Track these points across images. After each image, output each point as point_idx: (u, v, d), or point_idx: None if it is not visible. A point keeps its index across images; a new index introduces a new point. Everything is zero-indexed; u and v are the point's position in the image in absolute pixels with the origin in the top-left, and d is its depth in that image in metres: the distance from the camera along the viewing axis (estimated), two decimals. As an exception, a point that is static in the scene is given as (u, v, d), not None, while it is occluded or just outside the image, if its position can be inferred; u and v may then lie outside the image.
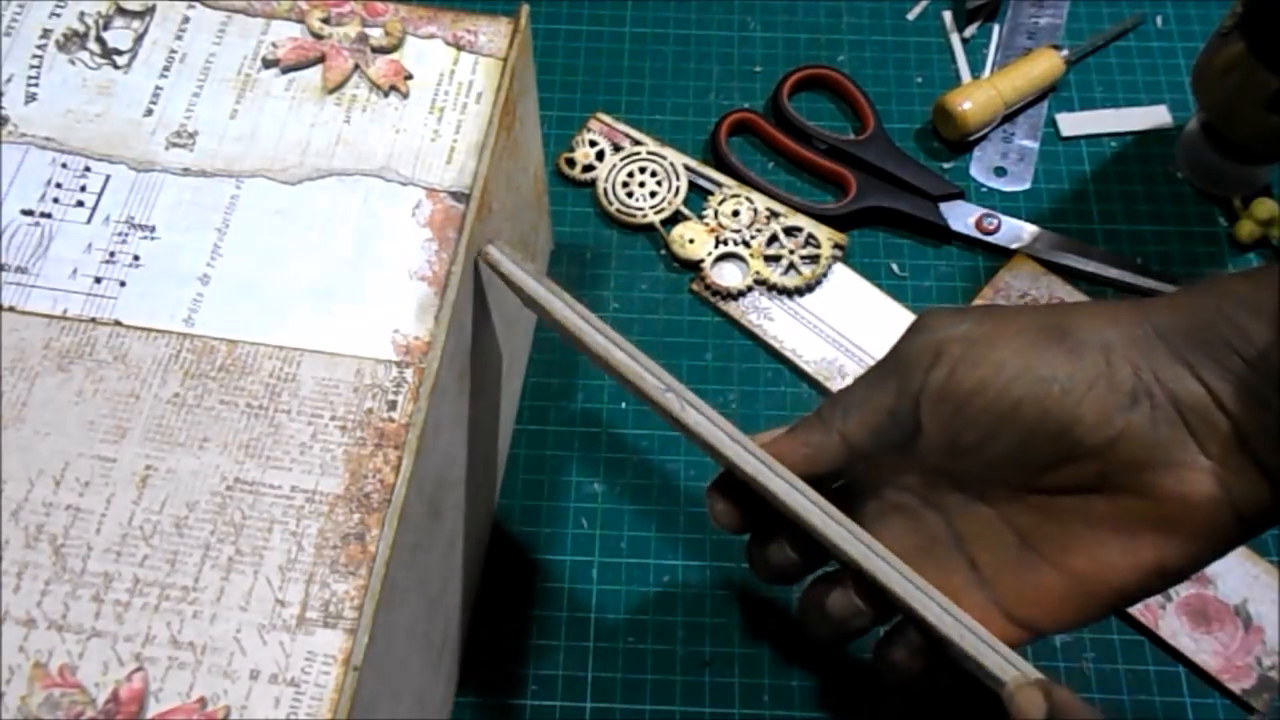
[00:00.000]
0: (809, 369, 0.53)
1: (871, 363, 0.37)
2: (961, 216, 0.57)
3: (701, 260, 0.56)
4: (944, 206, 0.57)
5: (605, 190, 0.58)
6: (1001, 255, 0.57)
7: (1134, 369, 0.32)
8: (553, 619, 0.48)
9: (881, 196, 0.57)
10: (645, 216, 0.57)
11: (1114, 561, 0.33)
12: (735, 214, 0.57)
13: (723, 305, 0.55)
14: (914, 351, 0.35)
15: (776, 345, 0.54)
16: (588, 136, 0.59)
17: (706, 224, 0.56)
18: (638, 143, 0.59)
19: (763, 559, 0.37)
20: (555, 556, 0.50)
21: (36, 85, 0.40)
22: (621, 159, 0.58)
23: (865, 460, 0.36)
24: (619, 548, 0.50)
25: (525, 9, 0.42)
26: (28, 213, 0.38)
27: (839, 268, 0.56)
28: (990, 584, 0.35)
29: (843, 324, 0.54)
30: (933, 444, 0.35)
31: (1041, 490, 0.34)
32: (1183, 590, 0.48)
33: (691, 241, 0.56)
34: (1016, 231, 0.57)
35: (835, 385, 0.53)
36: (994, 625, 0.34)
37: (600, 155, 0.58)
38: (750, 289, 0.55)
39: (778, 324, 0.54)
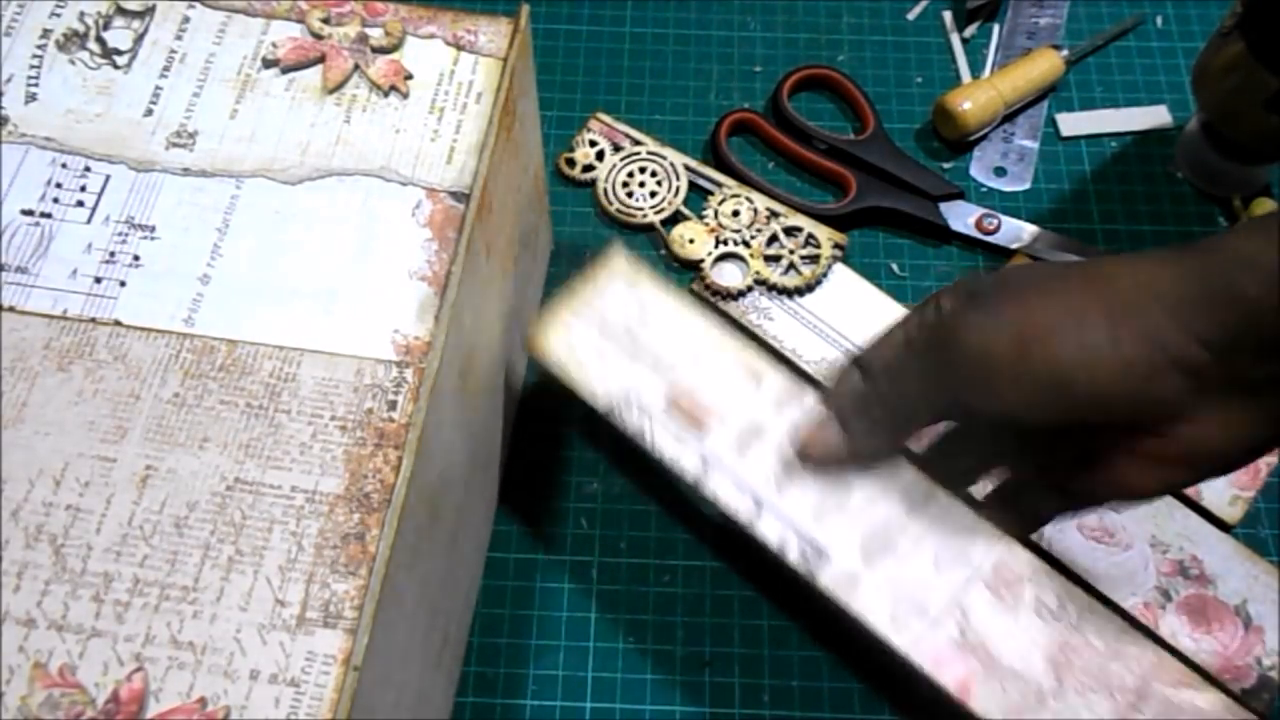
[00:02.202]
0: (809, 369, 0.53)
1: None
2: (961, 216, 0.57)
3: (701, 260, 0.56)
4: (944, 206, 0.57)
5: (605, 190, 0.58)
6: (1002, 255, 0.57)
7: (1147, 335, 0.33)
8: (553, 619, 0.48)
9: (881, 196, 0.57)
10: (645, 216, 0.57)
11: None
12: (735, 214, 0.57)
13: (723, 305, 0.55)
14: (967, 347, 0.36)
15: (776, 345, 0.54)
16: (588, 136, 0.59)
17: (706, 224, 0.56)
18: (638, 143, 0.59)
19: None
20: (555, 556, 0.50)
21: (36, 85, 0.40)
22: (621, 159, 0.58)
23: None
24: (619, 548, 0.50)
25: (525, 9, 0.42)
26: (28, 213, 0.38)
27: (839, 268, 0.56)
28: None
29: (843, 324, 0.54)
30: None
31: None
32: (1182, 590, 0.48)
33: (691, 241, 0.56)
34: (1016, 231, 0.57)
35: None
36: None
37: (600, 155, 0.58)
38: (750, 289, 0.55)
39: (778, 324, 0.54)
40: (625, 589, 0.49)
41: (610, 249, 0.47)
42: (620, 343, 0.45)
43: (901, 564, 0.42)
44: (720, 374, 0.45)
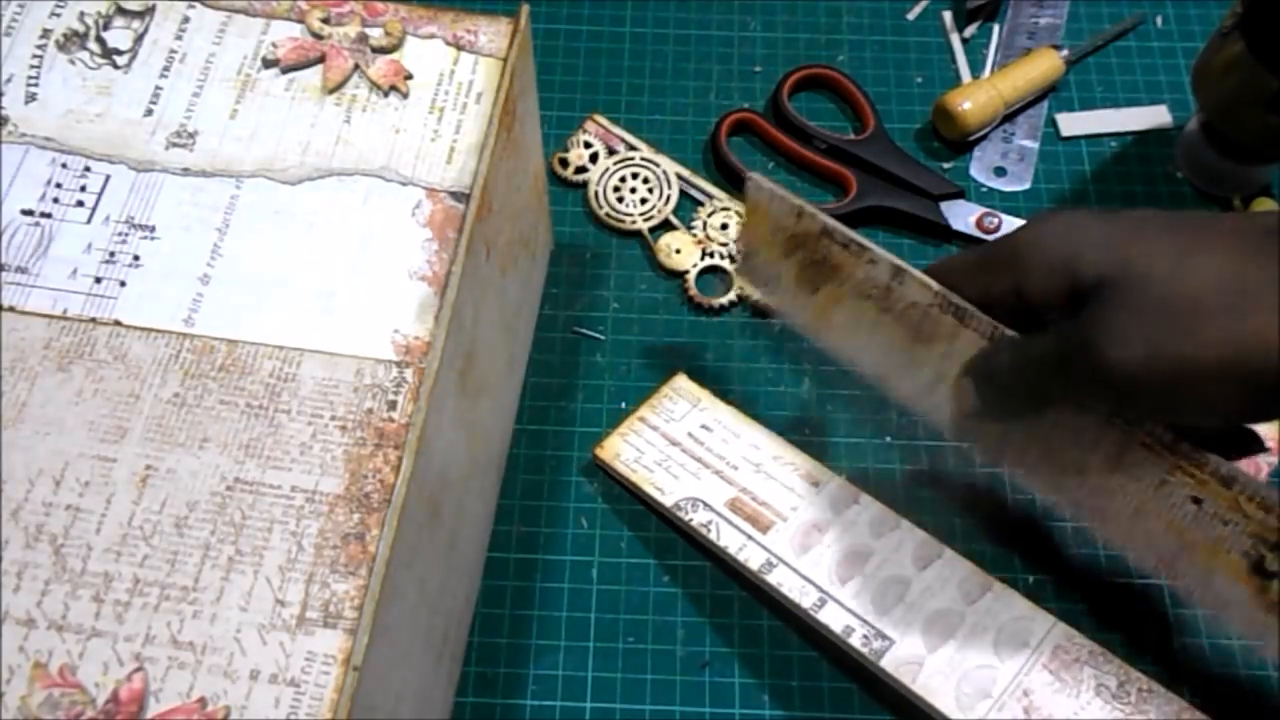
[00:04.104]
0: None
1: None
2: (962, 215, 0.57)
3: (686, 271, 0.55)
4: (944, 206, 0.57)
5: (596, 193, 0.58)
6: None
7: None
8: (553, 619, 0.48)
9: (882, 196, 0.57)
10: (634, 223, 0.57)
11: None
12: (724, 227, 0.56)
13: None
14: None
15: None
16: (583, 138, 0.59)
17: (694, 235, 0.56)
18: (632, 148, 0.59)
19: None
20: (555, 556, 0.50)
21: (36, 85, 0.40)
22: (615, 163, 0.58)
23: None
24: (619, 548, 0.50)
25: (525, 9, 0.42)
26: (28, 213, 0.38)
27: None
28: None
29: None
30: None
31: None
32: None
33: (678, 251, 0.56)
34: None
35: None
36: None
37: (594, 157, 0.58)
38: (733, 304, 0.55)
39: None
40: (625, 589, 0.49)
41: (676, 376, 0.52)
42: (686, 452, 0.50)
43: (963, 649, 0.44)
44: (781, 480, 0.49)
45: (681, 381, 0.52)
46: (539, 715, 0.47)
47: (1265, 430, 0.51)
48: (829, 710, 0.47)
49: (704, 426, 0.50)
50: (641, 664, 0.48)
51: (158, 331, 0.36)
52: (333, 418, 0.35)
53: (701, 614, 0.48)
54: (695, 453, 0.50)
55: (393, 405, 0.35)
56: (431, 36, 0.42)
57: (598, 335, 0.54)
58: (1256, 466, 0.51)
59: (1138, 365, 0.33)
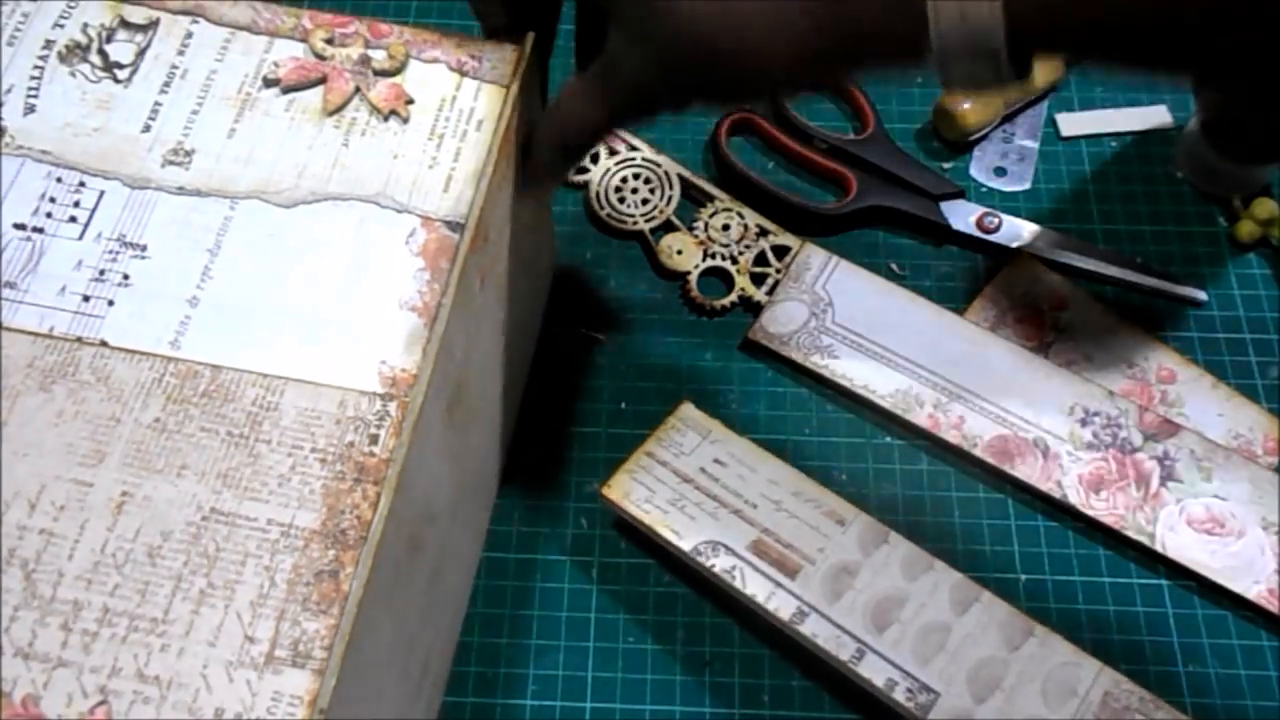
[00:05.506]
0: (884, 403, 0.52)
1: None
2: (962, 215, 0.57)
3: (688, 272, 0.55)
4: (945, 205, 0.57)
5: (597, 194, 0.57)
6: (1002, 254, 0.56)
7: None
8: (553, 619, 0.48)
9: (882, 196, 0.57)
10: (635, 224, 0.56)
11: None
12: (725, 228, 0.56)
13: (782, 349, 0.54)
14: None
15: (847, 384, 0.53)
16: (584, 138, 0.58)
17: (696, 236, 0.56)
18: (633, 148, 0.58)
19: None
20: (555, 557, 0.49)
21: (36, 97, 0.40)
22: (616, 164, 0.58)
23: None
24: (619, 548, 0.50)
25: (531, 35, 0.41)
26: (20, 226, 0.38)
27: (844, 273, 0.55)
28: None
29: (886, 336, 0.53)
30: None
31: None
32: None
33: (680, 252, 0.55)
34: (1017, 230, 0.56)
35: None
36: None
37: (595, 158, 0.58)
38: (734, 305, 0.54)
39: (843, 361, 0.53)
40: (625, 589, 0.49)
41: (681, 404, 0.50)
42: (700, 490, 0.48)
43: (1011, 700, 0.43)
44: (805, 518, 0.47)
45: (689, 411, 0.50)
46: (539, 715, 0.46)
47: (1265, 430, 0.51)
48: (829, 710, 0.46)
49: (717, 461, 0.48)
50: (641, 664, 0.47)
51: (143, 354, 0.36)
52: (313, 449, 0.34)
53: (701, 614, 0.48)
54: (710, 490, 0.47)
55: (374, 439, 0.34)
56: (435, 61, 0.41)
57: (599, 336, 0.54)
58: (1252, 456, 0.50)
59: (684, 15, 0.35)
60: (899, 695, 0.43)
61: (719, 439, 0.49)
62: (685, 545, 0.46)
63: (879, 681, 0.43)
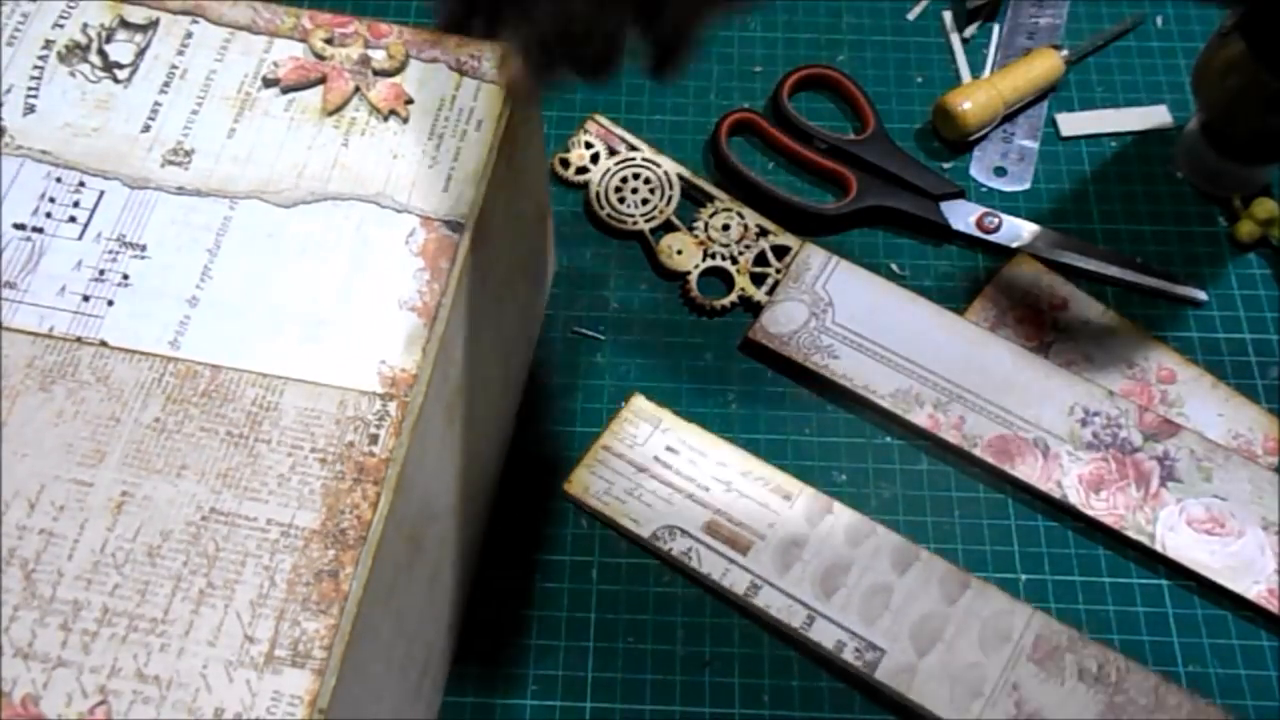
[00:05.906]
0: (884, 403, 0.52)
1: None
2: (962, 215, 0.57)
3: (688, 272, 0.55)
4: (945, 205, 0.57)
5: (597, 194, 0.57)
6: (1002, 254, 0.56)
7: None
8: (553, 619, 0.48)
9: (882, 196, 0.57)
10: (635, 224, 0.56)
11: None
12: (725, 228, 0.56)
13: (783, 349, 0.54)
14: None
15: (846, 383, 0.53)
16: (584, 138, 0.58)
17: (696, 236, 0.56)
18: (633, 148, 0.58)
19: None
20: (555, 556, 0.49)
21: (36, 97, 0.40)
22: (616, 164, 0.58)
23: None
24: (619, 548, 0.50)
25: (531, 36, 0.41)
26: (19, 226, 0.38)
27: (844, 273, 0.55)
28: None
29: (886, 336, 0.53)
30: None
31: None
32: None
33: (679, 252, 0.55)
34: (1017, 230, 0.56)
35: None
36: None
37: (595, 158, 0.58)
38: (734, 305, 0.54)
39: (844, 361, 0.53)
40: (625, 589, 0.49)
41: (633, 398, 0.52)
42: (655, 477, 0.50)
43: (951, 650, 0.46)
44: (754, 497, 0.49)
45: (639, 403, 0.52)
46: (539, 715, 0.47)
47: (1265, 430, 0.51)
48: (829, 710, 0.47)
49: (669, 448, 0.50)
50: (641, 664, 0.48)
51: (142, 354, 0.36)
52: (313, 449, 0.34)
53: (701, 614, 0.48)
54: (664, 477, 0.50)
55: (374, 439, 0.34)
56: (434, 60, 0.41)
57: (598, 335, 0.54)
58: (1252, 456, 0.50)
59: None
60: (848, 655, 0.45)
61: (669, 427, 0.51)
62: (644, 532, 0.48)
63: (829, 644, 0.46)
